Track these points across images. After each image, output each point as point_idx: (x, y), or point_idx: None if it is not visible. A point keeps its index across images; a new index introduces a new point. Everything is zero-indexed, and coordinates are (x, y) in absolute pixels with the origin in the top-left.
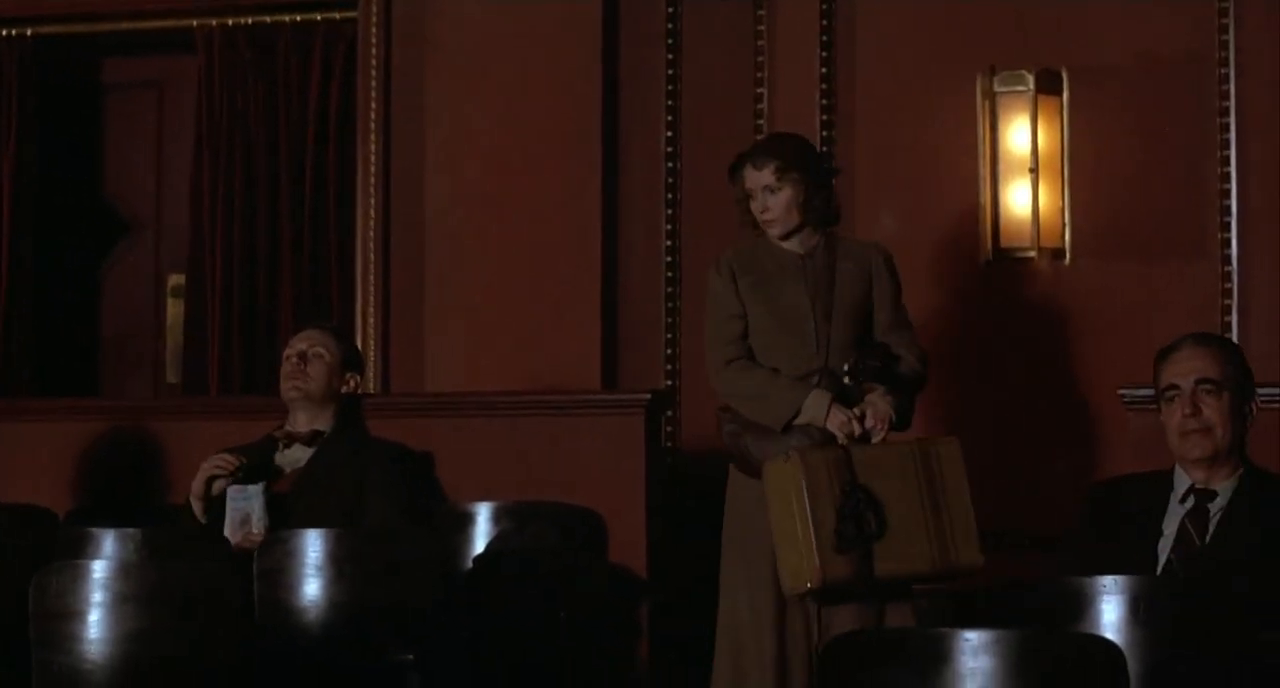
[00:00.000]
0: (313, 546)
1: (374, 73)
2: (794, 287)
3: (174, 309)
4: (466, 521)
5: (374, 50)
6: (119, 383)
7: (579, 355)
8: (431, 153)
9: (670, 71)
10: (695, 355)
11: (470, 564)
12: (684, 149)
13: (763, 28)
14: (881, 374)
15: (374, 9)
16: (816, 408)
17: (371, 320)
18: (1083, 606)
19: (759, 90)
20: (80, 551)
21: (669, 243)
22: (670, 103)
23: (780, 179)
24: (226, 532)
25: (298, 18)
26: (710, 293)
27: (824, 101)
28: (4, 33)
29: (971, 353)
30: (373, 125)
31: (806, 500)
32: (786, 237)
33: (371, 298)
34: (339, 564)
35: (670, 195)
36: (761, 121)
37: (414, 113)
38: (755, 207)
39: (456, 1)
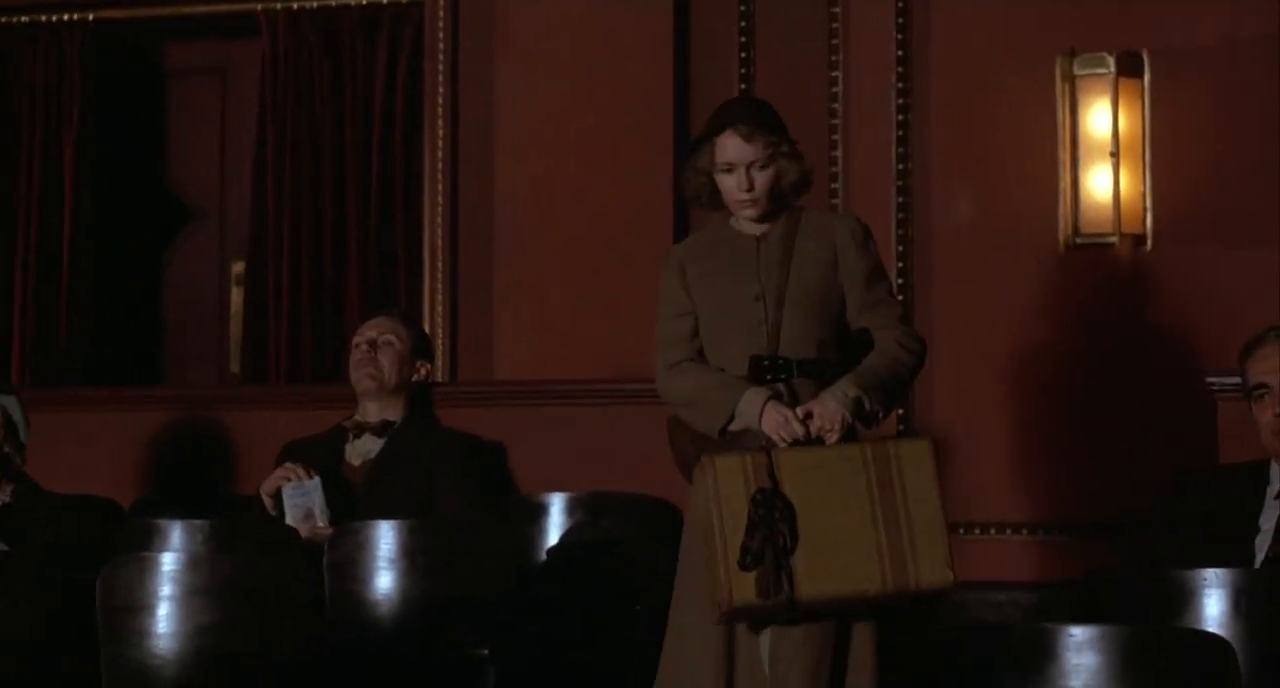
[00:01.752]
0: (384, 538)
1: (441, 57)
2: (745, 273)
3: (237, 297)
4: (539, 511)
5: (441, 34)
6: (181, 372)
7: (649, 342)
8: (500, 138)
9: (743, 55)
10: None
11: (544, 556)
12: None
13: (837, 9)
14: (822, 370)
15: None
16: (750, 409)
17: (439, 308)
18: (1183, 599)
19: (833, 75)
20: (147, 543)
21: None
22: (743, 87)
23: (772, 155)
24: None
25: (364, 1)
26: (661, 291)
27: (899, 86)
28: (65, 17)
29: (1050, 342)
30: (440, 110)
31: (716, 511)
32: (758, 219)
33: (439, 285)
34: (411, 557)
35: None
36: (836, 105)
37: (482, 97)
38: (732, 183)
39: None
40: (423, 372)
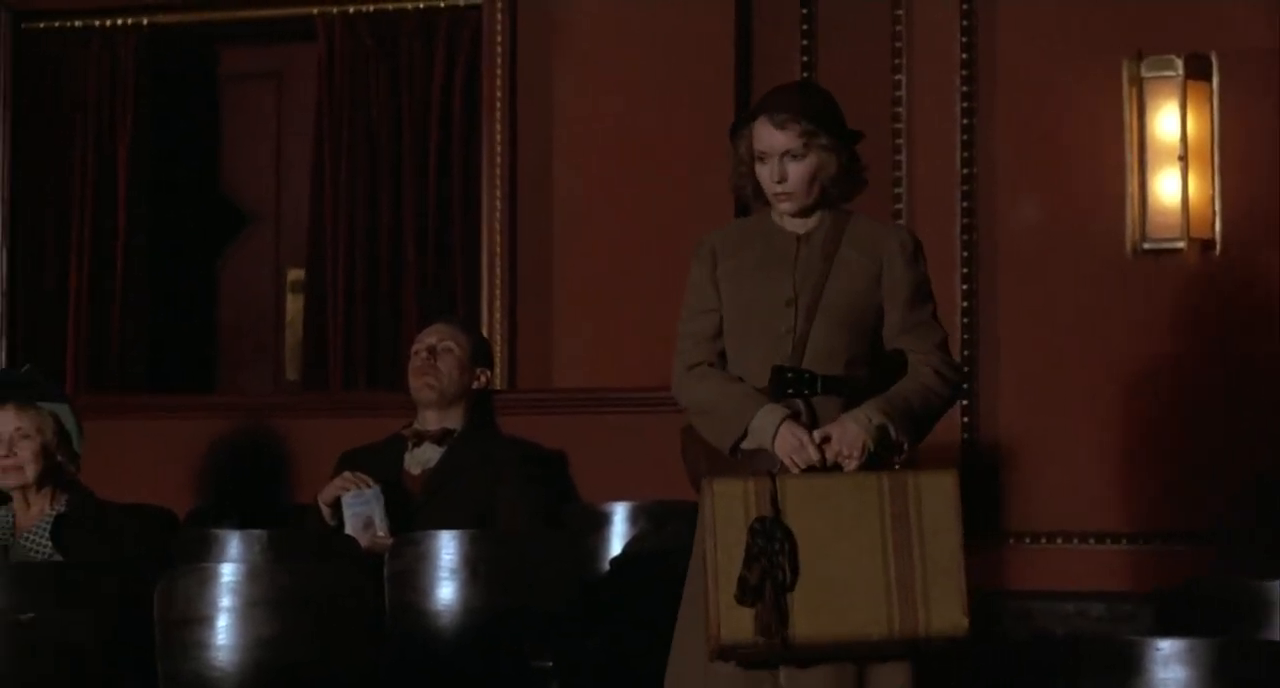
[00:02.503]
0: (446, 548)
1: (499, 60)
2: (779, 275)
3: (293, 304)
4: (602, 521)
5: (499, 37)
6: (237, 379)
7: None
8: (558, 142)
9: (805, 58)
10: None
11: (606, 566)
12: None
13: (900, 12)
14: (848, 390)
15: None
16: (764, 427)
17: (498, 314)
18: (1265, 610)
19: (897, 77)
20: (204, 553)
21: None
22: None
23: (807, 145)
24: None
25: (421, 4)
26: (688, 282)
27: (964, 89)
28: (120, 22)
29: (1117, 348)
30: (498, 114)
31: (712, 541)
32: (797, 214)
33: (497, 291)
34: (473, 567)
35: None
36: (900, 109)
37: (540, 101)
38: (766, 174)
39: None
40: (483, 379)
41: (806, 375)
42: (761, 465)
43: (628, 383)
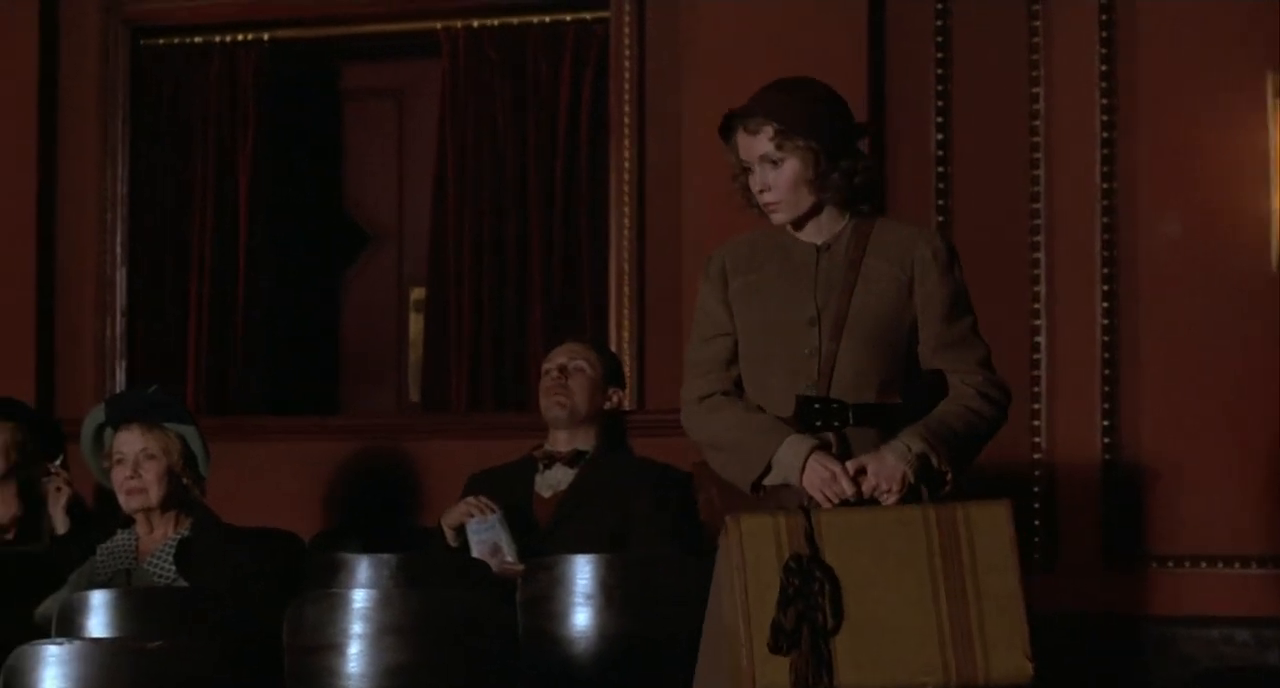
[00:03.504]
0: (581, 573)
1: (627, 75)
2: (799, 291)
3: (416, 323)
4: None
5: (627, 51)
6: (359, 400)
7: None
8: (688, 158)
9: (940, 71)
10: None
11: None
12: (955, 153)
13: (1038, 23)
14: (883, 418)
15: (626, 8)
16: (791, 459)
17: (626, 333)
18: None
19: (1034, 90)
20: (331, 578)
21: None
22: (940, 104)
23: (781, 147)
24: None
25: (546, 19)
26: (698, 303)
27: (1104, 101)
28: (241, 37)
29: (1260, 367)
30: (626, 130)
31: (741, 583)
32: (799, 224)
33: (625, 309)
34: (609, 592)
35: (941, 201)
36: (1038, 123)
37: (669, 116)
38: (753, 184)
39: (711, 1)
40: (615, 399)
41: (835, 405)
42: (787, 502)
43: None
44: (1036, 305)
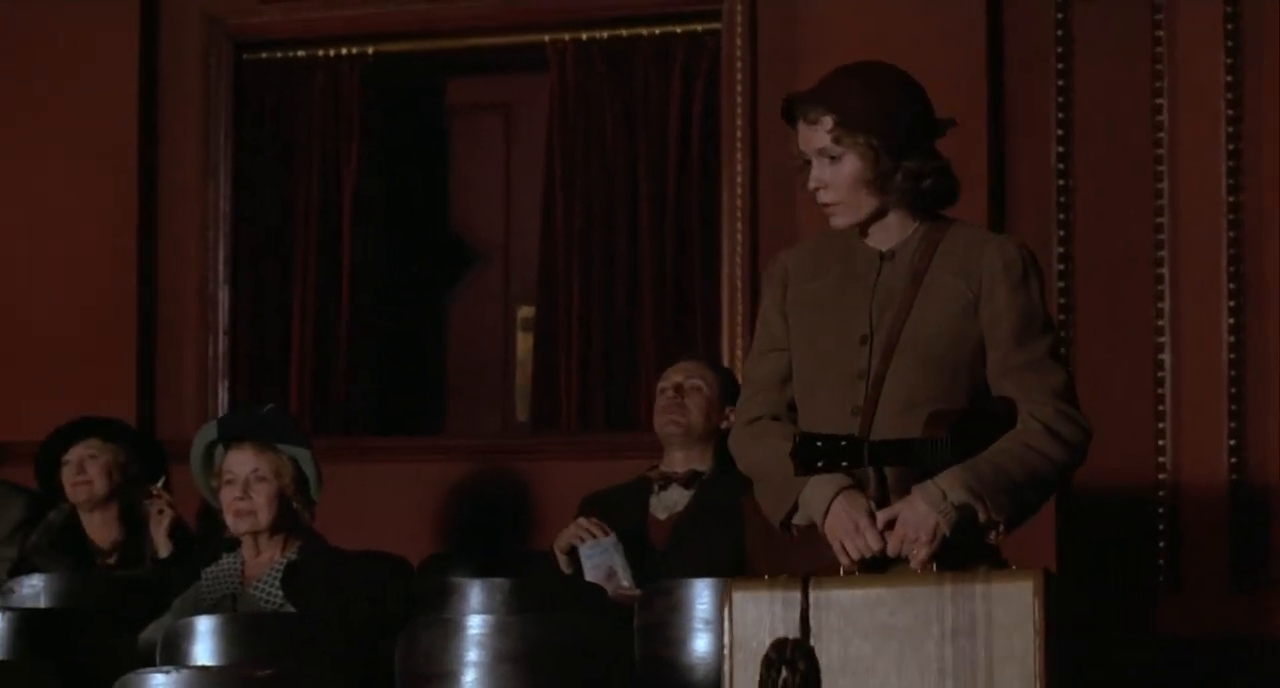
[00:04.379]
0: (700, 597)
1: (739, 88)
2: (855, 303)
3: (524, 342)
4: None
5: (739, 63)
6: (465, 420)
7: None
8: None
9: (1060, 81)
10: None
11: None
12: (1076, 166)
13: (1161, 33)
14: (908, 455)
15: (738, 20)
16: (817, 500)
17: (738, 352)
18: None
19: (1157, 101)
20: (442, 603)
21: (1061, 266)
22: (1061, 115)
23: (840, 141)
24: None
25: (656, 31)
26: (759, 312)
27: (1229, 111)
28: (344, 51)
29: None
30: (738, 144)
31: (728, 662)
32: (865, 227)
33: (738, 328)
34: None
35: (1061, 215)
36: (1161, 134)
37: (782, 130)
38: (810, 181)
39: (826, 11)
40: (732, 418)
41: (845, 443)
42: (820, 549)
43: None
44: (1160, 322)
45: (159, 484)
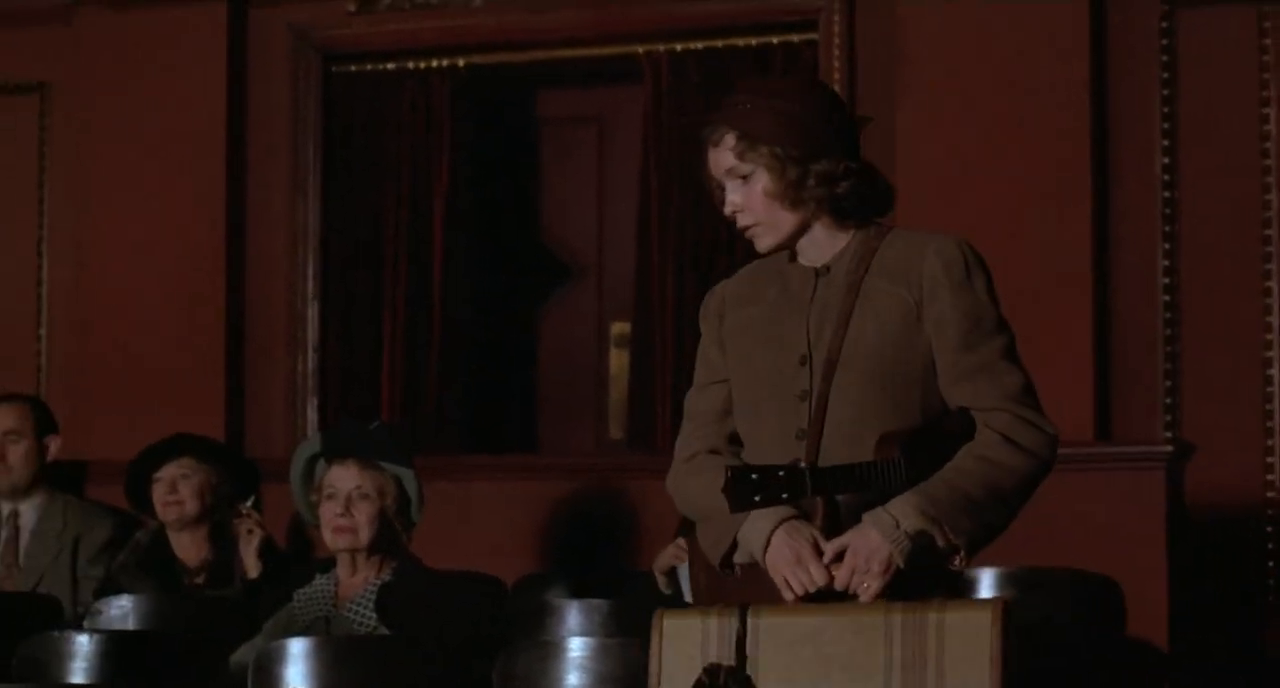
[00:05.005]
0: None
1: None
2: (793, 323)
3: (618, 358)
4: (967, 589)
5: (836, 75)
6: (558, 437)
7: (1069, 404)
8: (900, 185)
9: (1165, 91)
10: (1201, 399)
11: None
12: (1182, 178)
13: (1268, 42)
14: (861, 480)
15: (836, 31)
16: (756, 533)
17: None
18: None
19: (1264, 110)
20: (538, 624)
21: (1166, 280)
22: (1165, 125)
23: (745, 157)
24: None
25: (753, 42)
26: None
27: None
28: (434, 63)
29: None
30: None
31: None
32: (796, 246)
33: None
34: None
35: (1167, 228)
36: (1268, 144)
37: (880, 142)
38: (725, 206)
39: (926, 22)
40: None
41: (784, 472)
42: (766, 587)
43: None
44: (1269, 336)
45: (249, 503)
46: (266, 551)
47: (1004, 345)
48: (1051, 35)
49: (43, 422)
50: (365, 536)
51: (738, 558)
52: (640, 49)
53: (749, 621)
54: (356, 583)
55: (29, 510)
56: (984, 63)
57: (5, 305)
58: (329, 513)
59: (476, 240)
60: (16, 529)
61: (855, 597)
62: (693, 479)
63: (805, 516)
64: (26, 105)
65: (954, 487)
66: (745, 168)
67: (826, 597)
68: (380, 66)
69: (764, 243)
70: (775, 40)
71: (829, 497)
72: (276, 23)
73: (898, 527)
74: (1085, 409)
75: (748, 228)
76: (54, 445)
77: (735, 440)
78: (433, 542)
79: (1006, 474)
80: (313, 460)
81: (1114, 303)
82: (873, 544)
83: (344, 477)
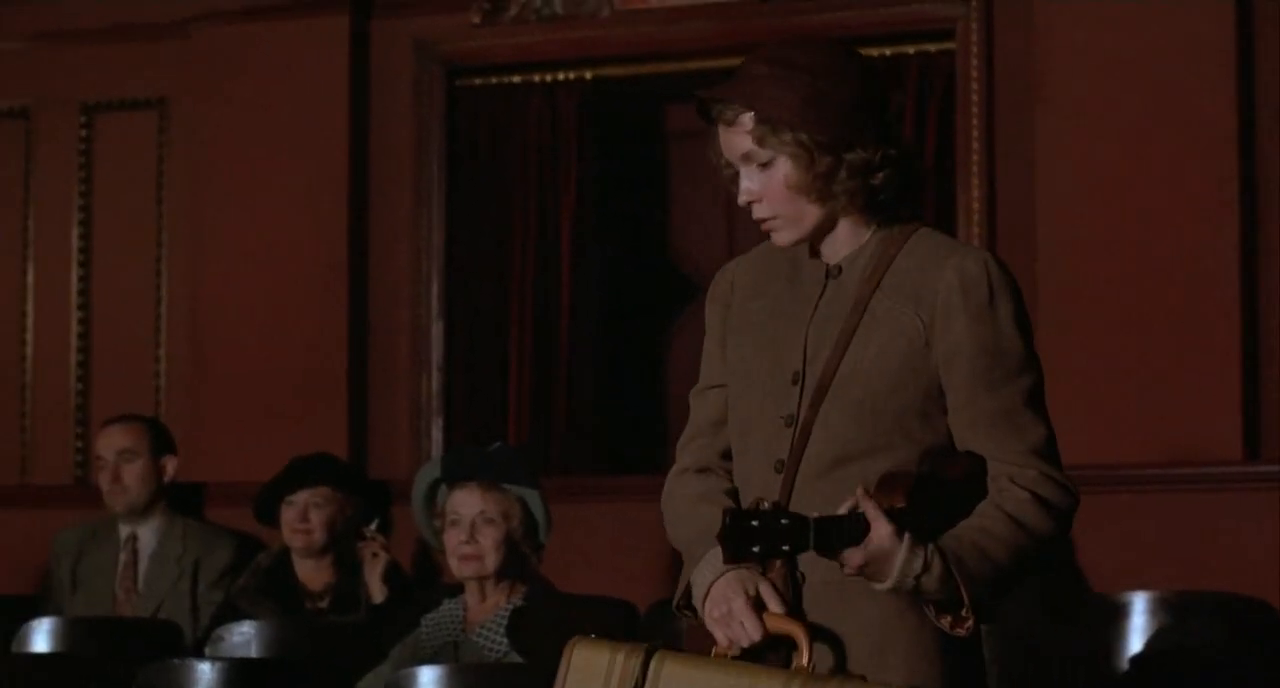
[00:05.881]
0: None
1: (975, 110)
2: (793, 331)
3: None
4: (1118, 613)
5: (974, 85)
6: None
7: (1217, 421)
8: (1042, 198)
9: None
10: None
11: (1126, 665)
12: None
13: None
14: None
15: (974, 40)
16: (700, 582)
17: None
18: None
19: None
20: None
21: None
22: None
23: (765, 143)
24: None
25: (887, 51)
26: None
27: None
28: (561, 76)
29: None
30: (974, 169)
31: None
32: (813, 241)
33: None
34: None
35: None
36: None
37: (1021, 154)
38: (740, 194)
39: (1066, 26)
40: None
41: (787, 521)
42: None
43: (1131, 459)
44: None
45: (373, 526)
46: (392, 575)
47: (1029, 388)
48: (1196, 41)
49: (159, 442)
50: (491, 562)
51: (696, 601)
52: None
53: (651, 666)
54: (486, 608)
55: (148, 534)
56: (1126, 69)
57: (124, 324)
58: (453, 540)
59: (604, 256)
60: (135, 553)
61: (791, 660)
62: (677, 501)
63: (762, 565)
64: (145, 121)
65: (983, 553)
66: (764, 155)
67: (762, 655)
68: (505, 79)
69: (783, 237)
70: (911, 50)
71: (824, 552)
72: (400, 35)
73: (919, 572)
74: (1233, 427)
75: (765, 220)
76: (171, 466)
77: (729, 455)
78: (562, 565)
79: (1031, 541)
80: (435, 485)
81: (1263, 316)
82: (887, 551)
83: (466, 501)
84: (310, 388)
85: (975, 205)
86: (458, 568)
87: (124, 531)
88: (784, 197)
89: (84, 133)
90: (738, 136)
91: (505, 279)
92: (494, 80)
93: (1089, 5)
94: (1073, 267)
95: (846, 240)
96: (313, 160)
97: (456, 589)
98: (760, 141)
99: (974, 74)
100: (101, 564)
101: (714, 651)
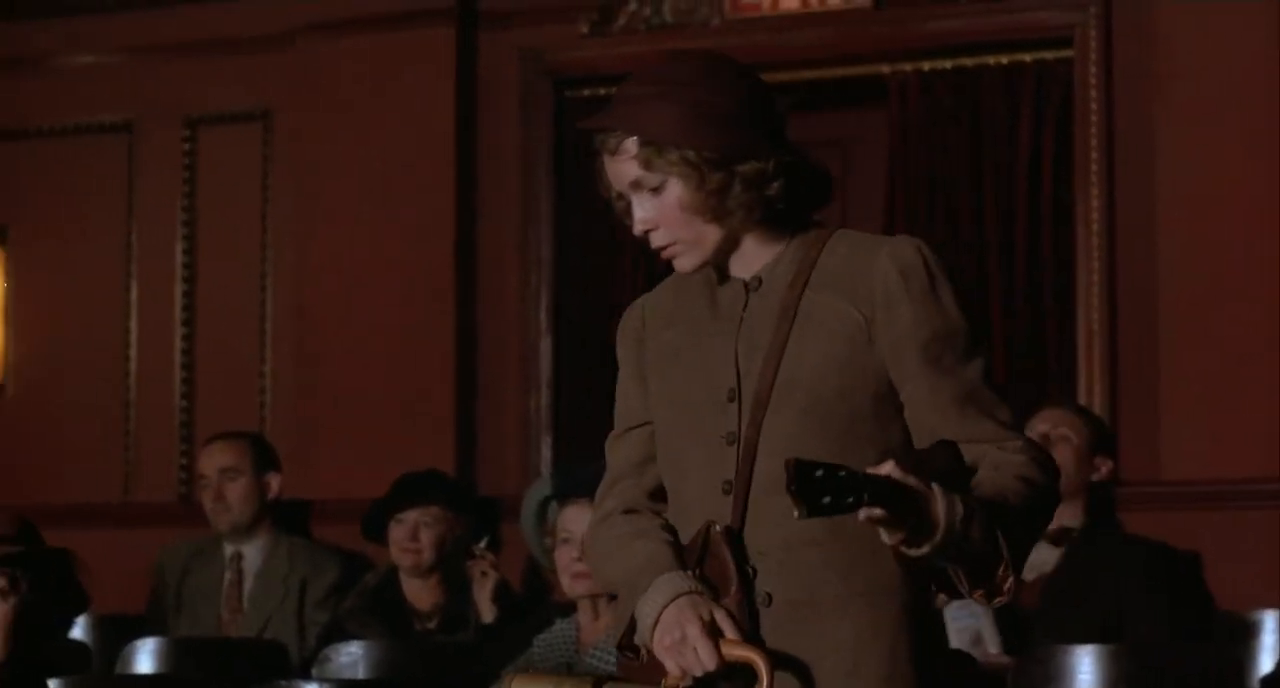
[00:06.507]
0: (1080, 665)
1: (1094, 118)
2: (719, 351)
3: None
4: (1248, 632)
5: (1093, 92)
6: None
7: None
8: (1163, 206)
9: None
10: None
11: (1256, 685)
12: None
13: None
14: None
15: (1092, 46)
16: (647, 612)
17: (1097, 397)
18: None
19: None
20: None
21: None
22: None
23: (652, 165)
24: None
25: (1004, 60)
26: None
27: None
28: None
29: None
30: (1093, 177)
31: None
32: (721, 262)
33: (1096, 370)
34: (1110, 686)
35: None
36: None
37: (1142, 161)
38: (635, 225)
39: (1186, 32)
40: (1103, 470)
41: (844, 474)
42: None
43: (1262, 473)
44: None
45: (482, 544)
46: (502, 594)
47: (984, 367)
48: None
49: (262, 459)
50: None
51: (637, 639)
52: (886, 69)
53: None
54: (600, 628)
55: (253, 553)
56: (1246, 74)
57: (228, 340)
58: (565, 558)
59: None
60: (240, 572)
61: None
62: (605, 544)
63: (715, 591)
64: (249, 133)
65: (1008, 507)
66: (654, 179)
67: (716, 685)
68: (613, 90)
69: (686, 262)
70: (1028, 58)
71: (743, 570)
72: (507, 46)
73: (962, 517)
74: None
75: (664, 247)
76: (275, 483)
77: (659, 495)
78: None
79: (1041, 498)
80: (545, 502)
81: None
82: (924, 494)
83: (578, 519)
84: (417, 403)
85: (1095, 214)
86: (570, 586)
87: (229, 549)
88: (680, 220)
89: (187, 146)
90: (623, 164)
91: (616, 294)
92: (603, 91)
93: (1209, 10)
94: (1195, 274)
95: (757, 255)
96: (419, 174)
97: (568, 608)
98: (647, 165)
99: (1093, 81)
100: (206, 584)
101: (664, 683)
